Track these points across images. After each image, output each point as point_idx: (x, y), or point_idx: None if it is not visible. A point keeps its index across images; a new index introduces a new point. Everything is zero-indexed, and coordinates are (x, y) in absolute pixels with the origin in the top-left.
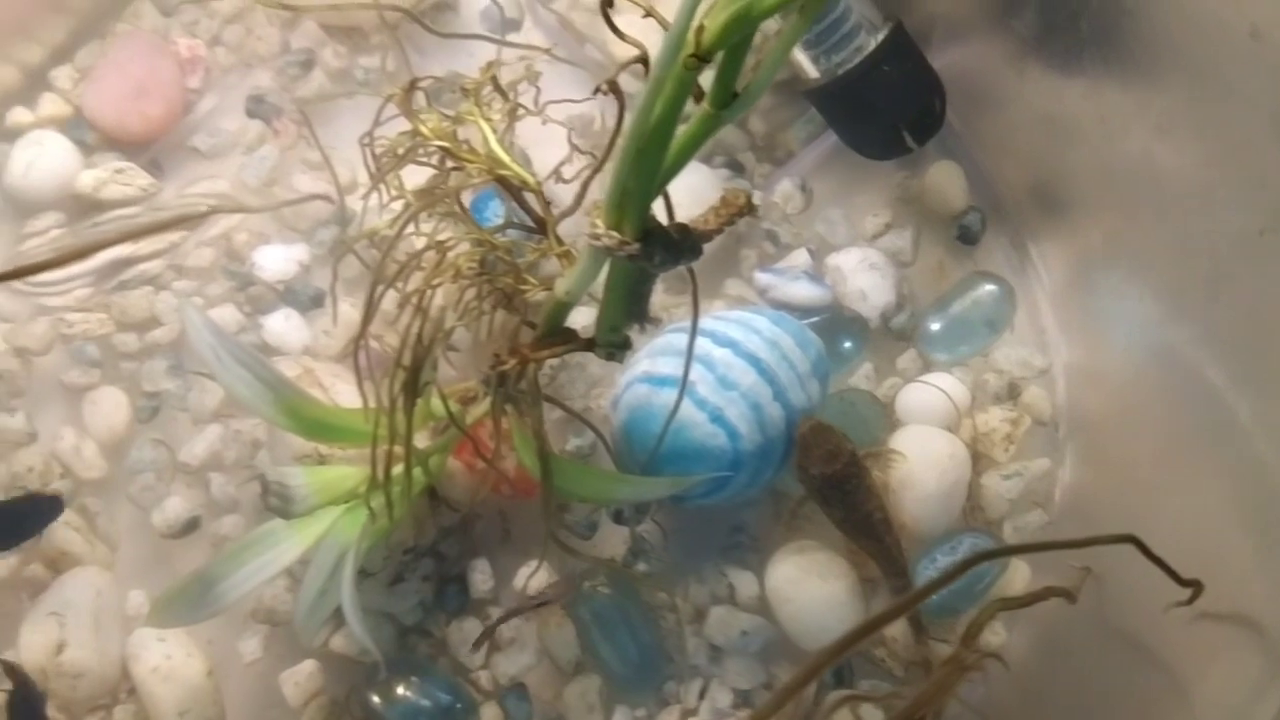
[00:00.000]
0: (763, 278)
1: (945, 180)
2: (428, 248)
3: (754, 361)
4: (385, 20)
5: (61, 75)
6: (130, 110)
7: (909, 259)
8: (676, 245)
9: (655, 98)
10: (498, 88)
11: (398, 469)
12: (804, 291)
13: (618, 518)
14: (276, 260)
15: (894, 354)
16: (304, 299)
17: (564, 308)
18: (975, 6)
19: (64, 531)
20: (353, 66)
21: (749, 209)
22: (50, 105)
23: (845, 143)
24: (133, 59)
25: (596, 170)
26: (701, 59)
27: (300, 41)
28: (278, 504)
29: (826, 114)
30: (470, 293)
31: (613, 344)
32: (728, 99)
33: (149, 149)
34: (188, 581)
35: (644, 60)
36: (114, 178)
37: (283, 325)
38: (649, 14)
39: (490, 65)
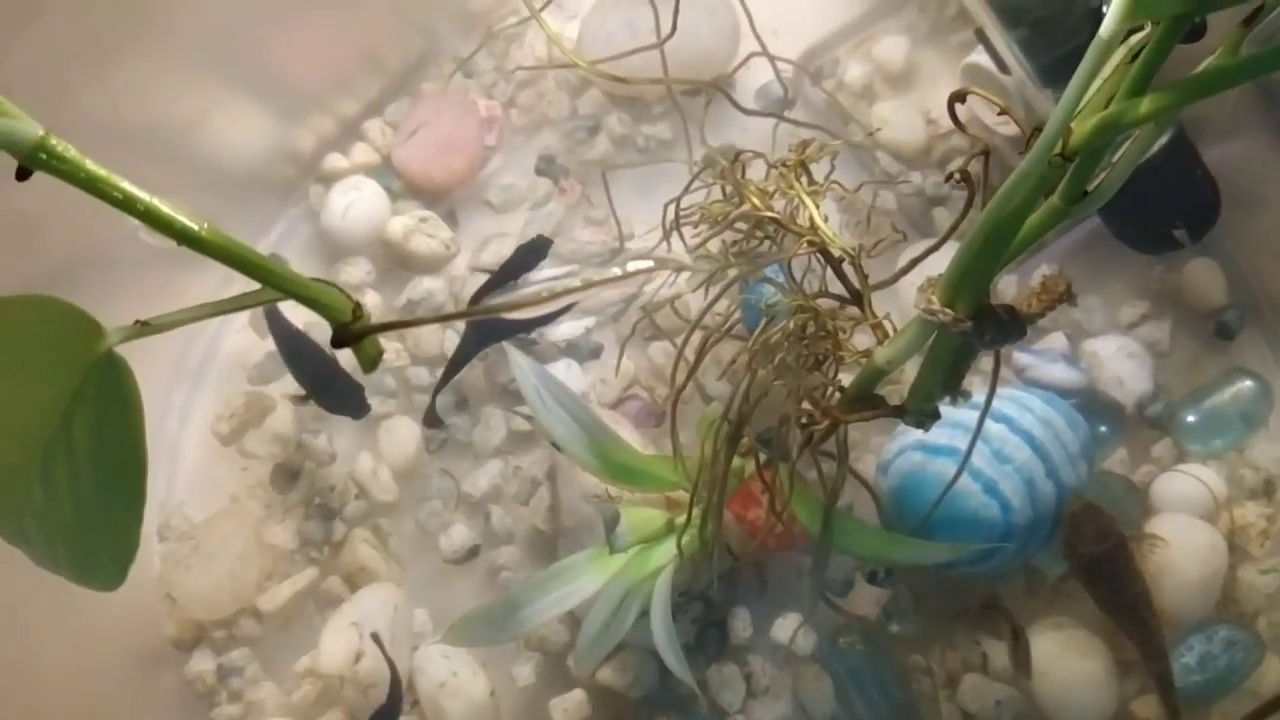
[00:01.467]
0: (1022, 358)
1: (1204, 276)
2: (759, 314)
3: (1028, 438)
4: (673, 94)
5: (373, 127)
6: (437, 163)
7: (1165, 350)
8: (1005, 326)
9: (1018, 189)
10: (804, 165)
11: (695, 514)
12: (1060, 374)
13: (872, 578)
14: (564, 327)
15: (1148, 442)
16: (584, 351)
17: (879, 375)
18: (1252, 109)
19: (364, 548)
20: (635, 134)
21: (1069, 296)
22: (362, 154)
23: (1116, 235)
24: (443, 116)
25: (933, 250)
26: (1067, 159)
27: (587, 108)
28: (613, 538)
29: (1102, 207)
30: (788, 354)
31: (924, 413)
32: (1078, 196)
33: (446, 199)
34: (493, 605)
35: (986, 153)
36: (419, 227)
37: (563, 374)
38: (1003, 111)
39: (804, 145)
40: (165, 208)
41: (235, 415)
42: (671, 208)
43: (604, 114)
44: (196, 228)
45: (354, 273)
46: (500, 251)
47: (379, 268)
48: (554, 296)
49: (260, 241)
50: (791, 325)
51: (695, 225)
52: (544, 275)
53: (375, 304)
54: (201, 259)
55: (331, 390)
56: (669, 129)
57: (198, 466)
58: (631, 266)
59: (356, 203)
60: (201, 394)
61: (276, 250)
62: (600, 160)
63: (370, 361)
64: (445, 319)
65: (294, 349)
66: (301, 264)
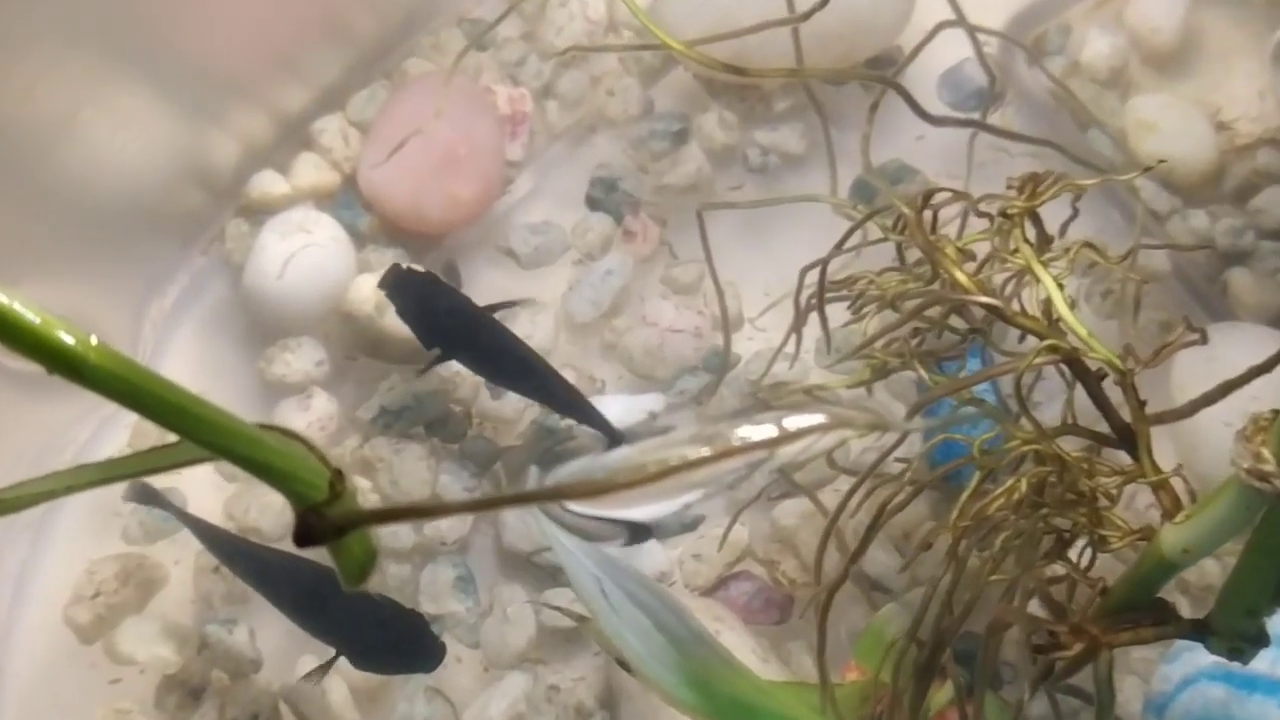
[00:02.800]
0: None
1: None
2: (977, 459)
3: None
4: (808, 86)
5: (329, 129)
6: (431, 189)
7: None
8: None
9: None
10: (1035, 220)
11: None
12: None
13: None
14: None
15: None
16: (673, 527)
17: (1167, 570)
18: None
19: None
20: (745, 144)
21: None
22: (310, 171)
23: None
24: (442, 114)
25: (1261, 371)
26: None
27: (669, 100)
28: None
29: None
30: (1015, 531)
31: (1243, 635)
32: None
33: (444, 245)
34: None
35: None
36: None
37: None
38: None
39: (1034, 180)
40: (30, 314)
41: (101, 595)
42: (812, 275)
43: (697, 111)
44: (77, 345)
45: (295, 364)
46: (533, 335)
47: (335, 355)
48: (642, 480)
49: (148, 308)
50: (1022, 483)
51: (854, 306)
52: (613, 407)
53: (328, 415)
54: None
55: (387, 643)
56: (800, 137)
57: (41, 675)
58: (771, 420)
59: (302, 251)
60: (47, 558)
61: (172, 323)
62: (691, 186)
63: (357, 570)
64: (481, 506)
65: (300, 582)
66: (211, 346)
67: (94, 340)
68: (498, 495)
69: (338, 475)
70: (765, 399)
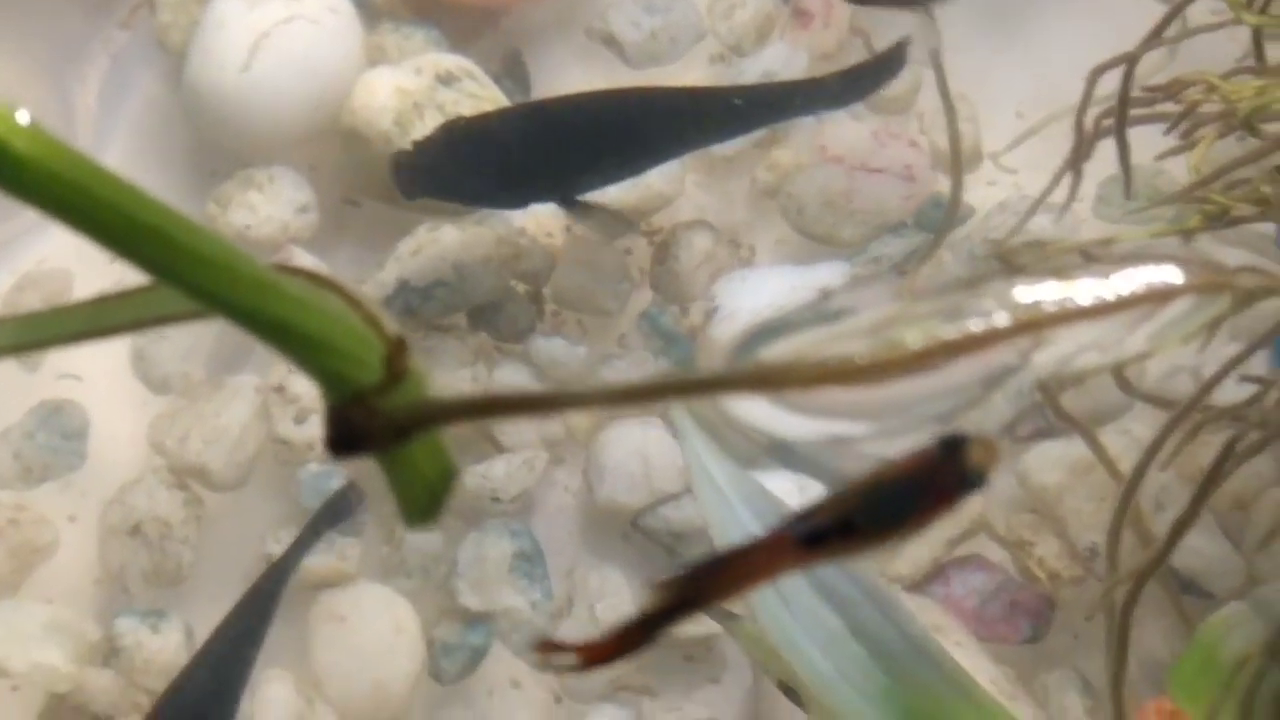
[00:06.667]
0: None
1: None
2: None
3: None
4: None
5: None
6: None
7: None
8: None
9: None
10: None
11: None
12: None
13: None
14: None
15: None
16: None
17: None
18: None
19: None
20: None
21: None
22: None
23: None
24: None
25: None
26: None
27: None
28: None
29: None
30: None
31: None
32: None
33: (499, 25)
34: None
35: None
36: (436, 95)
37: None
38: None
39: None
40: None
41: None
42: (1108, 78)
43: None
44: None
45: (265, 209)
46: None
47: (327, 197)
48: (895, 366)
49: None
50: None
51: (1178, 127)
52: (765, 286)
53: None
54: None
55: None
56: None
57: None
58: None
59: (280, 30)
60: None
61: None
62: None
63: (425, 499)
64: (641, 395)
65: None
66: (130, 173)
67: (23, 118)
68: (664, 380)
69: (398, 347)
70: (1012, 260)
